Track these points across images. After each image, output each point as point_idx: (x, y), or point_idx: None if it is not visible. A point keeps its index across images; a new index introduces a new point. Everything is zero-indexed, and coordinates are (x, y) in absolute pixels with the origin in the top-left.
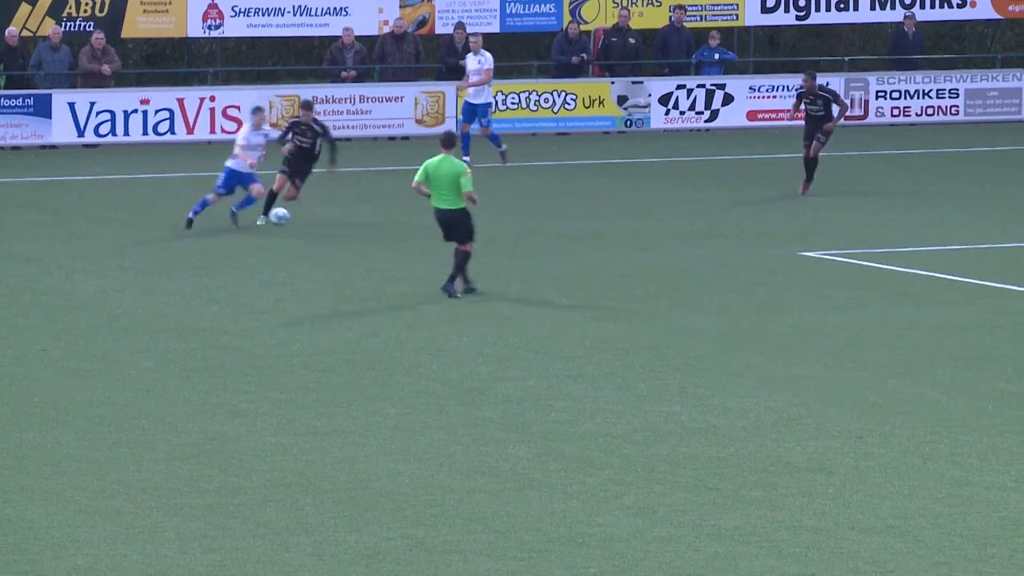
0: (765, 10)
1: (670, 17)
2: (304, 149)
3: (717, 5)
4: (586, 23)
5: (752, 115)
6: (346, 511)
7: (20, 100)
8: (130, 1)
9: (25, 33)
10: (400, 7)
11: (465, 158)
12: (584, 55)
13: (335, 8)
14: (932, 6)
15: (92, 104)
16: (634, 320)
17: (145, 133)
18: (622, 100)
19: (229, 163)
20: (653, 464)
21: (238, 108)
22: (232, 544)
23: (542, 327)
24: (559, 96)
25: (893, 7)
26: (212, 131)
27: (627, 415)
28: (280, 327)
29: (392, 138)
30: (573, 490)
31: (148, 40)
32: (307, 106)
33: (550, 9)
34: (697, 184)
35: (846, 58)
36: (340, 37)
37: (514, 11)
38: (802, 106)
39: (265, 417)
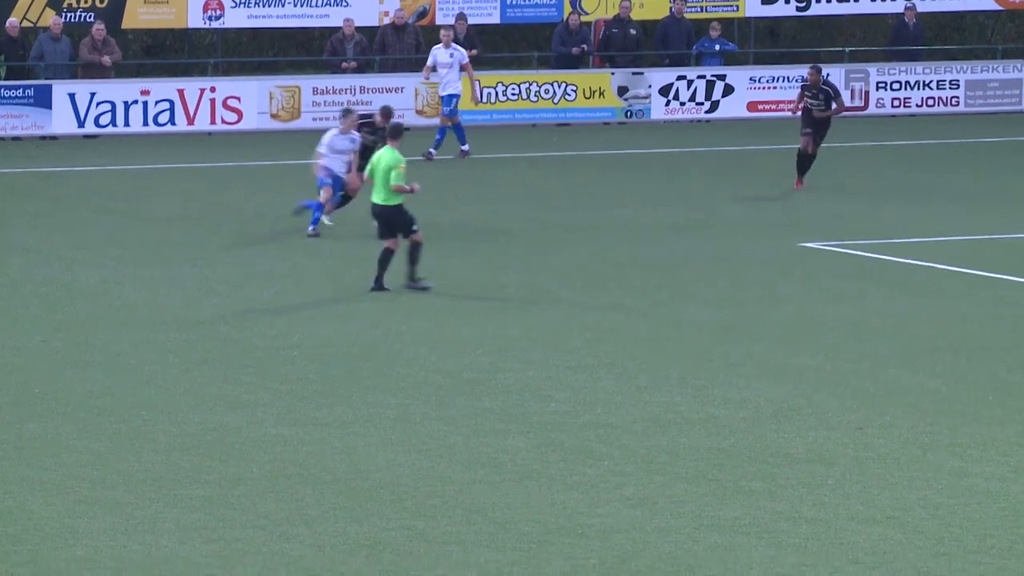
0: (766, 1)
1: (671, 8)
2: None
3: None
4: (587, 14)
5: (752, 106)
6: (346, 502)
7: (21, 91)
8: None
9: (26, 24)
10: None
11: (463, 147)
12: (584, 46)
13: None
14: None
15: (92, 95)
16: (634, 311)
17: (145, 124)
18: (622, 91)
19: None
20: (653, 455)
21: (238, 99)
22: (232, 535)
23: (542, 318)
24: (559, 87)
25: None
26: (212, 122)
27: (627, 406)
28: (280, 318)
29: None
30: (573, 481)
31: (148, 31)
32: (387, 113)
33: (551, 0)
34: (697, 175)
35: (847, 49)
36: (341, 28)
37: (515, 2)
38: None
39: (265, 408)
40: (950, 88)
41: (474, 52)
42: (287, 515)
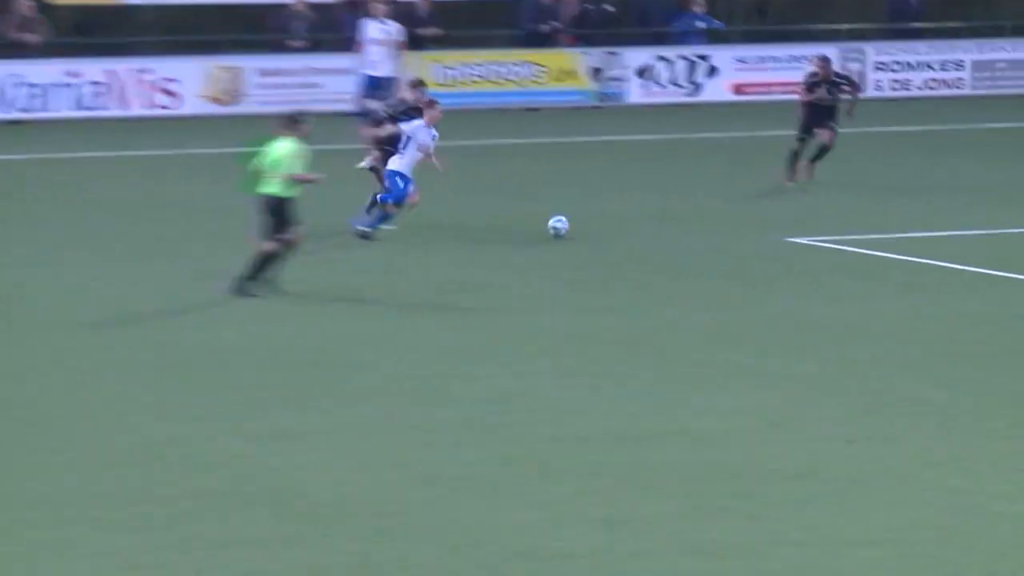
0: None
1: None
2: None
3: None
4: None
5: (739, 88)
6: (284, 523)
7: None
8: None
9: None
10: None
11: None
12: (556, 23)
13: None
14: None
15: (16, 77)
16: (608, 312)
17: (75, 108)
18: (596, 72)
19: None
20: (624, 471)
21: (176, 81)
22: (155, 560)
23: (506, 320)
24: (528, 68)
25: None
26: (148, 106)
27: (597, 417)
28: (219, 320)
29: (345, 114)
30: (537, 500)
31: (80, 7)
32: (417, 84)
33: None
34: (678, 164)
35: (842, 27)
36: (290, 5)
37: None
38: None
39: (197, 419)
40: (955, 69)
41: (434, 31)
42: (218, 538)
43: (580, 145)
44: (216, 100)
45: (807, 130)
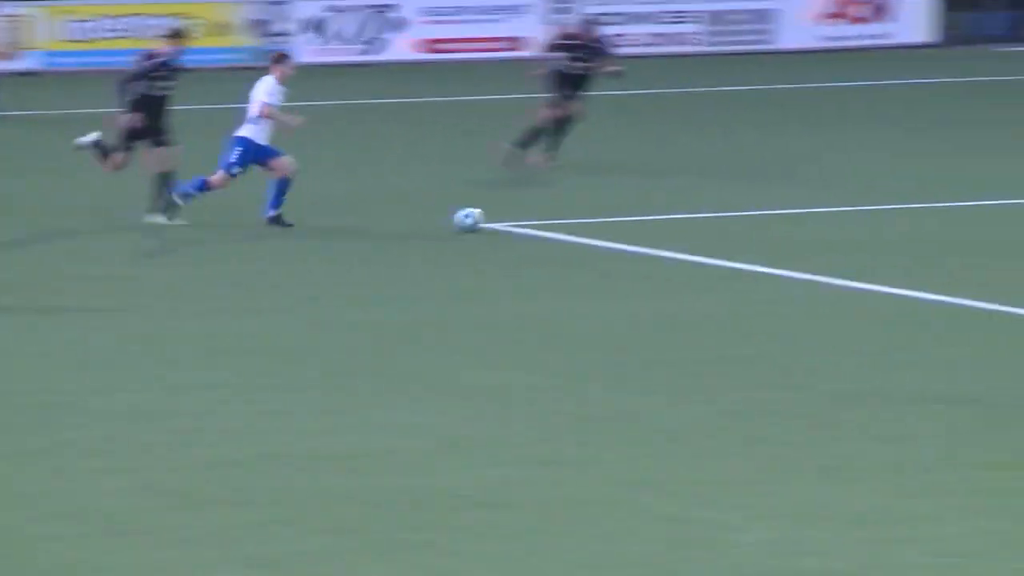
0: None
1: None
2: None
3: None
4: None
5: (428, 46)
6: None
7: None
8: None
9: None
10: None
11: None
12: None
13: None
14: None
15: None
16: (265, 317)
17: None
18: (258, 26)
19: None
20: (282, 499)
21: None
22: None
23: (145, 323)
24: (177, 22)
25: None
26: None
27: (251, 437)
28: None
29: None
30: (180, 536)
31: None
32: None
33: None
34: (352, 133)
35: None
36: None
37: None
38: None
39: None
40: (685, 22)
41: None
42: None
43: (236, 113)
44: None
45: (563, 98)
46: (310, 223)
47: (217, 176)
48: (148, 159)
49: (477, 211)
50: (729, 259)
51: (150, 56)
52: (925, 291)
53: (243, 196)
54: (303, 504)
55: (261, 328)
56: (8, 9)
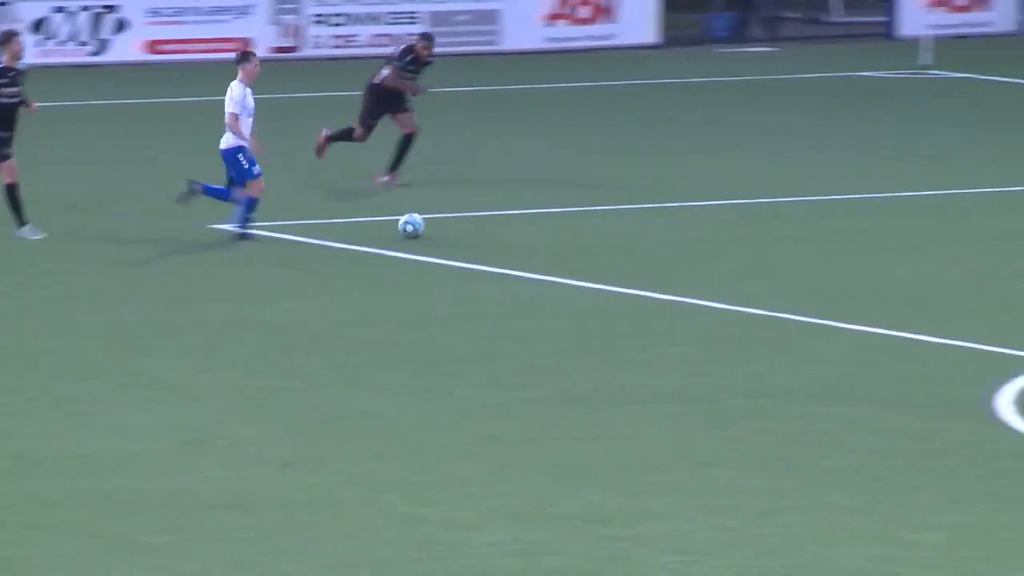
0: None
1: None
2: None
3: None
4: None
5: (153, 47)
6: None
7: None
8: None
9: None
10: None
11: None
12: None
13: None
14: None
15: None
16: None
17: None
18: None
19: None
20: (20, 504)
21: None
22: None
23: None
24: None
25: None
26: None
27: None
28: None
29: None
30: None
31: None
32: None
33: None
34: (79, 137)
35: None
36: None
37: None
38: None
39: None
40: (407, 23)
41: None
42: None
43: None
44: None
45: (376, 117)
46: (45, 224)
47: (253, 185)
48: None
49: (418, 218)
50: (461, 260)
51: None
52: (652, 290)
53: None
54: (42, 506)
55: None
56: None
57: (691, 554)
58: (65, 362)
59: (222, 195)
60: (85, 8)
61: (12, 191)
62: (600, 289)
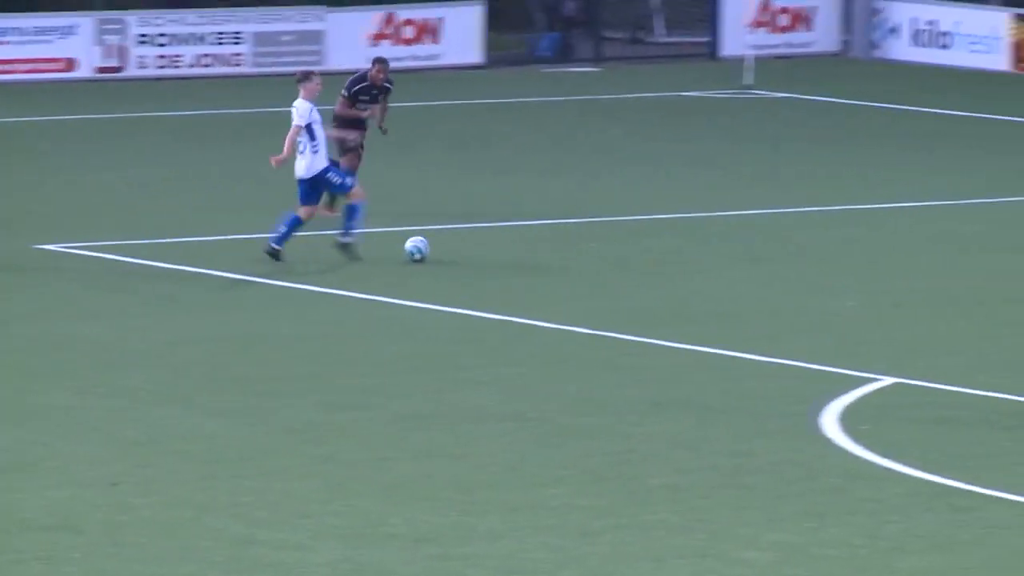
0: None
1: None
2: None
3: None
4: None
5: None
6: None
7: None
8: None
9: None
10: None
11: None
12: None
13: None
14: None
15: None
16: None
17: None
18: None
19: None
20: None
21: None
22: None
23: None
24: None
25: None
26: None
27: None
28: None
29: None
30: None
31: None
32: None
33: None
34: None
35: None
36: None
37: None
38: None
39: None
40: (232, 43)
41: None
42: None
43: None
44: None
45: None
46: None
47: (354, 191)
48: None
49: (422, 242)
50: (289, 280)
51: None
52: (482, 310)
53: None
54: None
55: None
56: None
57: (520, 573)
58: None
59: (294, 223)
60: None
61: None
62: (433, 309)
